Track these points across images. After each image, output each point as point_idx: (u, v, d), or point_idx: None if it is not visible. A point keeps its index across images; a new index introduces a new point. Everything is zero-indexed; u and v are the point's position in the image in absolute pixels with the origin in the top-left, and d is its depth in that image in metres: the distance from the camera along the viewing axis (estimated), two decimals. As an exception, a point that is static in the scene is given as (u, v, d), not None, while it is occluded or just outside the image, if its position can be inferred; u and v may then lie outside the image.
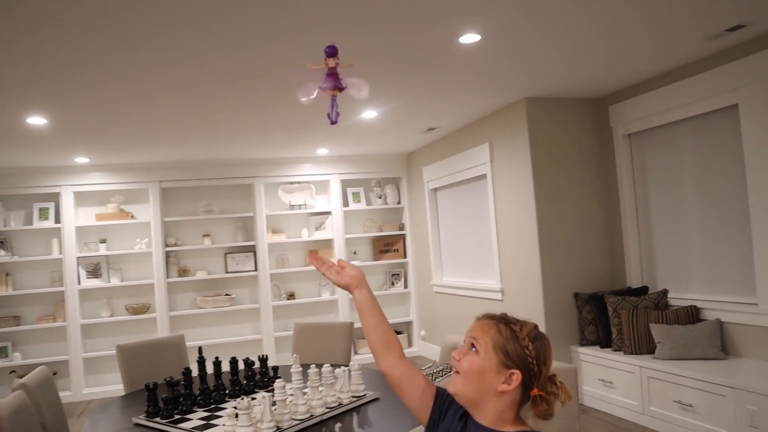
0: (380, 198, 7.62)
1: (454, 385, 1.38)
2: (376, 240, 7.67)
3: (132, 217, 6.77)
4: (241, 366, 5.22)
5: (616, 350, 4.54)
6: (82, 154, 5.88)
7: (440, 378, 3.71)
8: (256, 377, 3.22)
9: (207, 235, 7.00)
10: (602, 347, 4.72)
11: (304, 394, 2.69)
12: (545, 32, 3.40)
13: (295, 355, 2.97)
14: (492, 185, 5.52)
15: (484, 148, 5.59)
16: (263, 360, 3.32)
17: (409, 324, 7.68)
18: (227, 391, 3.04)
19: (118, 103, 4.15)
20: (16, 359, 6.29)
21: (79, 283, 6.51)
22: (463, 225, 6.38)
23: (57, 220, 6.54)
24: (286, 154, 6.91)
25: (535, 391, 1.33)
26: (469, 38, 3.38)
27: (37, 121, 4.44)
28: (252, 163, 7.06)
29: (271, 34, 3.10)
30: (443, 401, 1.48)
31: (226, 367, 5.62)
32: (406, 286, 7.64)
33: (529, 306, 5.01)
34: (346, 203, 7.48)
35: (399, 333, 7.60)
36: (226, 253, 7.12)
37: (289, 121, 5.11)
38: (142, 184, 6.73)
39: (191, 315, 6.95)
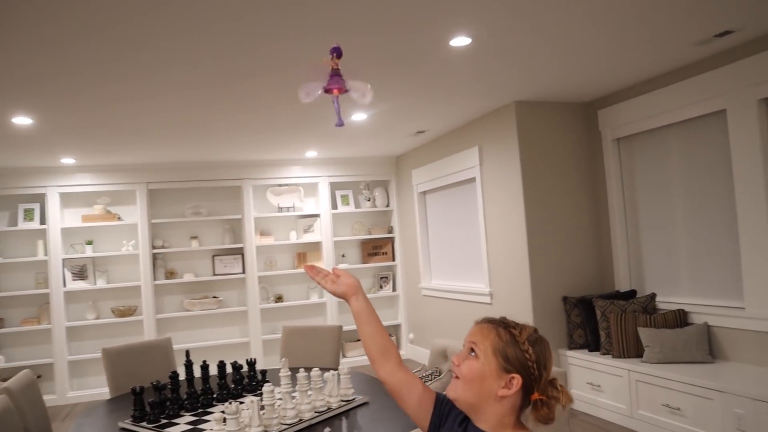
0: (369, 201, 7.60)
1: (454, 390, 1.37)
2: (364, 243, 7.66)
3: (119, 218, 6.71)
4: (229, 370, 5.18)
5: (604, 354, 4.56)
6: (69, 154, 5.82)
7: (429, 381, 3.69)
8: (244, 381, 3.19)
9: (194, 237, 6.95)
10: (591, 351, 4.73)
11: (293, 398, 2.67)
12: (535, 36, 3.40)
13: (283, 359, 2.95)
14: (481, 189, 5.52)
15: (474, 151, 5.59)
16: (251, 364, 3.30)
17: (397, 327, 7.67)
18: (215, 395, 3.01)
19: (105, 103, 4.11)
20: (0, 362, 6.21)
21: (65, 285, 6.45)
22: (452, 228, 6.38)
23: (42, 221, 6.47)
24: (275, 156, 6.89)
25: (535, 396, 1.32)
26: (460, 41, 3.37)
27: (22, 121, 4.38)
28: (240, 165, 7.03)
29: (261, 37, 3.08)
30: (443, 407, 1.46)
31: (213, 370, 5.58)
32: (394, 289, 7.63)
33: (518, 309, 5.02)
34: (334, 206, 7.46)
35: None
36: (213, 256, 7.08)
37: (279, 122, 5.09)
38: (129, 185, 6.68)
39: (178, 318, 6.90)
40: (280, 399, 2.67)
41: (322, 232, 7.28)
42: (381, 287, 7.64)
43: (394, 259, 7.61)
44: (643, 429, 4.13)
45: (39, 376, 6.32)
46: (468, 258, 6.04)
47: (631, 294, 4.78)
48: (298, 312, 7.40)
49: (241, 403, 2.80)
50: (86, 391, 6.48)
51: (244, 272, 7.02)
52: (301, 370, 2.81)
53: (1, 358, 6.23)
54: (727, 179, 4.06)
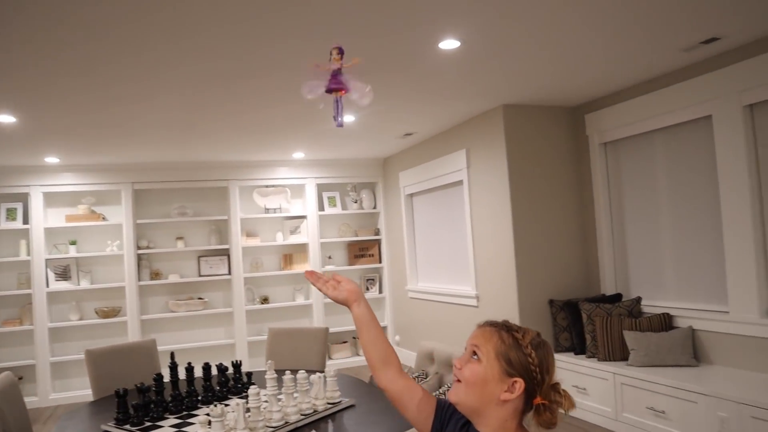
0: (356, 203, 7.60)
1: (455, 394, 1.36)
2: (351, 245, 7.64)
3: (103, 218, 6.64)
4: (214, 372, 5.15)
5: (590, 357, 4.57)
6: (53, 153, 5.76)
7: (416, 384, 3.68)
8: (229, 383, 3.17)
9: (180, 238, 6.91)
10: (576, 354, 4.75)
11: (279, 400, 2.66)
12: (524, 40, 3.41)
13: (269, 361, 2.93)
14: (468, 191, 5.53)
15: (461, 154, 5.60)
16: (237, 366, 3.27)
17: (383, 329, 7.64)
18: (200, 398, 2.99)
19: (91, 102, 4.07)
20: (-20, 363, 6.13)
21: (48, 285, 6.37)
22: (438, 231, 6.38)
23: (25, 221, 6.40)
24: (262, 157, 6.86)
25: (538, 400, 1.31)
26: (449, 44, 3.38)
27: (6, 119, 4.33)
28: (227, 166, 6.99)
29: (249, 39, 3.06)
30: (444, 412, 1.45)
31: (198, 372, 5.54)
32: (381, 291, 7.62)
33: (504, 312, 5.03)
34: (321, 207, 7.45)
35: (373, 338, 7.56)
36: (199, 257, 7.03)
37: (266, 124, 5.07)
38: (114, 185, 6.62)
39: (163, 319, 6.84)
40: (266, 401, 2.65)
41: (308, 234, 7.26)
42: (367, 289, 7.63)
43: (380, 261, 7.61)
44: (628, 432, 4.15)
45: (20, 378, 6.24)
46: (455, 260, 6.05)
47: (617, 297, 4.80)
48: (284, 314, 7.37)
49: (227, 405, 2.78)
50: (69, 393, 6.40)
51: (230, 273, 6.98)
52: (287, 372, 2.79)
53: (-19, 359, 6.15)
54: (713, 184, 4.09)
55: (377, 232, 7.66)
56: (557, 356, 4.78)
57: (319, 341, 4.12)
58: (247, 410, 2.48)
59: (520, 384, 1.30)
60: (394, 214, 7.33)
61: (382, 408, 2.84)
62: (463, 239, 5.84)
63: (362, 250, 7.64)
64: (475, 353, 1.34)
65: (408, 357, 6.86)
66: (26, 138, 4.98)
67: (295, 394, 2.73)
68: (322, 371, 3.60)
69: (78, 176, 6.50)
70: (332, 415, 2.74)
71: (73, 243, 6.51)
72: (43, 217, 6.38)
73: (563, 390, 1.33)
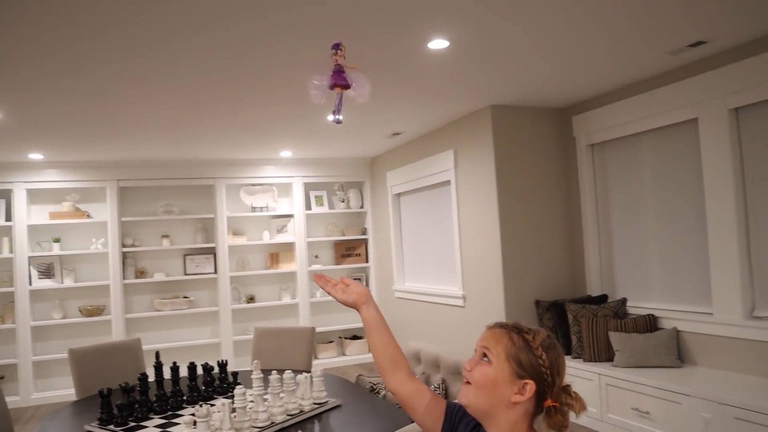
0: (343, 202, 7.58)
1: (465, 396, 1.34)
2: (338, 244, 7.63)
3: (88, 216, 6.58)
4: (199, 371, 5.11)
5: (575, 357, 4.59)
6: (37, 150, 5.69)
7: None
8: (215, 383, 3.15)
9: (166, 236, 6.85)
10: (562, 354, 4.76)
11: (265, 400, 2.64)
12: (513, 42, 3.42)
13: (255, 361, 2.91)
14: (456, 192, 5.54)
15: (449, 154, 5.60)
16: (223, 365, 3.25)
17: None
18: (185, 398, 2.96)
19: (76, 98, 4.02)
20: (-39, 362, 6.05)
21: (30, 283, 6.30)
22: (425, 231, 6.38)
23: (8, 218, 6.31)
24: (249, 156, 6.83)
25: (548, 402, 1.30)
26: (438, 44, 3.37)
27: (-11, 114, 4.28)
28: (214, 164, 6.95)
29: (239, 39, 3.04)
30: (454, 415, 1.44)
31: (184, 372, 5.50)
32: (367, 291, 7.59)
33: (491, 313, 5.04)
34: (308, 206, 7.42)
35: (359, 338, 7.56)
36: (185, 255, 6.98)
37: (253, 122, 5.04)
38: (100, 182, 6.56)
39: (148, 318, 6.79)
40: (252, 401, 2.63)
41: (295, 233, 7.24)
42: (354, 289, 7.61)
43: (367, 261, 7.60)
44: (613, 432, 4.17)
45: (2, 377, 6.17)
46: (441, 261, 6.05)
47: (603, 299, 4.83)
48: (270, 313, 7.34)
49: (212, 405, 2.76)
50: (51, 392, 6.33)
51: (215, 272, 6.94)
52: (274, 372, 2.78)
53: (-38, 357, 6.07)
54: (698, 187, 4.13)
55: (364, 232, 7.65)
56: (543, 357, 4.80)
57: (306, 341, 4.11)
58: (233, 410, 2.46)
59: (530, 386, 1.28)
60: (382, 214, 7.33)
61: (368, 408, 2.84)
62: (450, 239, 5.84)
63: (349, 250, 7.63)
64: (485, 355, 1.33)
65: (394, 357, 6.85)
66: (9, 133, 4.91)
67: (282, 394, 2.72)
68: (308, 371, 3.59)
69: (62, 173, 6.44)
70: (318, 416, 2.73)
71: (57, 240, 6.44)
72: (26, 214, 6.30)
73: (574, 392, 1.32)
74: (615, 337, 4.32)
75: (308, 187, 7.49)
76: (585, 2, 2.90)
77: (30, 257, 6.31)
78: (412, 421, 2.33)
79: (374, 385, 3.64)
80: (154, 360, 3.10)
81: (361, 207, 7.65)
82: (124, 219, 6.63)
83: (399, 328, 6.98)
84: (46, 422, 2.83)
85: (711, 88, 3.91)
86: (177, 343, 6.79)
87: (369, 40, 3.24)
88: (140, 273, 6.78)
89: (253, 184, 7.22)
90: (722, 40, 3.61)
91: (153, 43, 3.09)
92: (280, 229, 7.33)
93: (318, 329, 6.62)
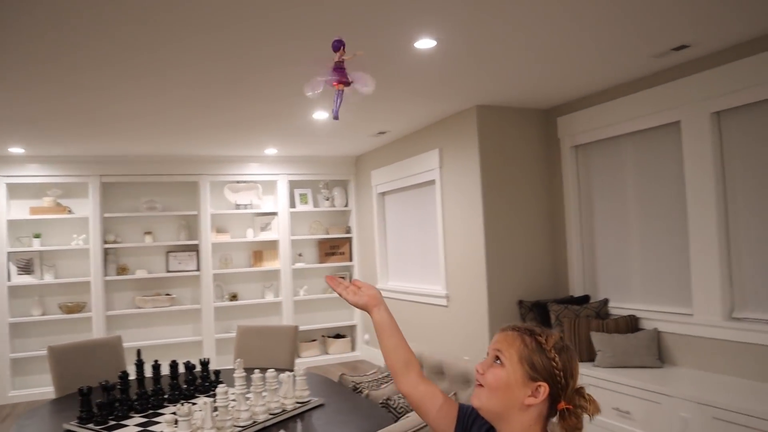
0: (328, 200, 7.57)
1: (478, 398, 1.34)
2: (322, 242, 7.62)
3: (69, 211, 6.51)
4: (181, 369, 5.08)
5: (557, 357, 4.61)
6: (18, 143, 5.61)
7: (385, 384, 3.69)
8: (196, 381, 3.13)
9: (148, 233, 6.80)
10: (544, 354, 4.78)
11: (247, 399, 2.63)
12: (499, 42, 3.43)
13: (238, 359, 2.90)
14: (440, 191, 5.55)
15: (434, 153, 5.61)
16: (205, 363, 3.23)
17: (352, 328, 7.65)
18: (166, 396, 2.94)
19: (59, 92, 3.97)
20: (-62, 358, 5.96)
21: (9, 279, 6.21)
22: (410, 230, 6.39)
23: (-13, 212, 6.24)
24: (234, 153, 6.79)
25: (562, 405, 1.29)
26: (425, 43, 3.38)
27: (-32, 108, 4.21)
28: (198, 161, 6.90)
29: (226, 38, 3.02)
30: (467, 418, 1.44)
31: (165, 370, 5.46)
32: (351, 290, 7.59)
33: (474, 312, 5.05)
34: (293, 204, 7.40)
35: (342, 337, 7.56)
36: (167, 252, 6.93)
37: (238, 119, 5.01)
38: (82, 177, 6.49)
39: (129, 315, 6.73)
40: (234, 400, 2.62)
41: (279, 231, 7.21)
42: (338, 287, 7.60)
43: (351, 260, 7.59)
44: (593, 432, 4.20)
45: (-21, 374, 6.09)
46: (425, 260, 6.06)
47: (585, 299, 4.86)
48: (253, 311, 7.31)
49: (194, 404, 2.74)
50: (29, 390, 6.25)
51: (198, 269, 6.90)
52: (256, 370, 2.77)
53: (-61, 354, 5.98)
54: (680, 189, 4.17)
55: (348, 230, 7.64)
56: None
57: (289, 339, 4.09)
58: (215, 409, 2.45)
59: (544, 388, 1.28)
60: (366, 213, 7.32)
61: (350, 407, 2.83)
62: (434, 239, 5.85)
63: (333, 248, 7.62)
64: (497, 358, 1.33)
65: (378, 357, 6.86)
66: (-10, 128, 4.85)
67: (264, 393, 2.71)
68: (291, 370, 3.58)
69: (44, 167, 6.36)
70: (301, 415, 2.72)
71: (37, 236, 6.36)
72: (6, 209, 6.22)
73: (588, 395, 1.32)
74: (597, 338, 4.35)
75: (293, 185, 7.47)
76: (571, 4, 2.92)
77: (9, 252, 6.22)
78: (395, 421, 2.33)
79: (357, 384, 3.63)
80: (135, 358, 3.08)
81: (346, 205, 7.65)
82: (106, 215, 6.57)
83: (382, 326, 6.98)
84: (24, 420, 2.79)
85: (694, 92, 3.95)
86: (159, 340, 6.73)
87: (355, 39, 3.22)
88: (122, 270, 6.72)
89: (238, 182, 7.19)
90: (705, 45, 3.65)
91: (139, 40, 3.06)
92: (264, 227, 7.30)
93: (301, 328, 6.59)
